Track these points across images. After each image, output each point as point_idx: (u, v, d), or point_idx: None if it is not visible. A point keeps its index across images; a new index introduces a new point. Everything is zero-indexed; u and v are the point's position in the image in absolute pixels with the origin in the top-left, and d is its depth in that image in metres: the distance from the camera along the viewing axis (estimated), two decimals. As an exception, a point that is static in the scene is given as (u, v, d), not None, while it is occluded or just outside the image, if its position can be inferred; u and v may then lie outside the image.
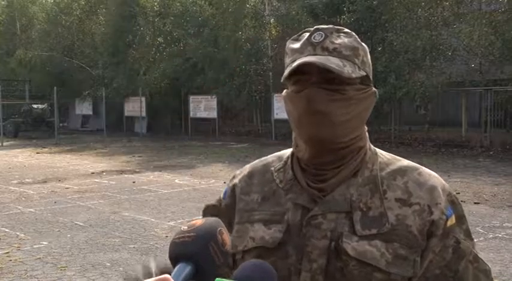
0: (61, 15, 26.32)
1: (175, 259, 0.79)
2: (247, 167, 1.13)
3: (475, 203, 7.50)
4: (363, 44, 1.00)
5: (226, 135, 20.97)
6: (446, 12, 15.26)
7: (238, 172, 1.14)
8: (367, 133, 1.04)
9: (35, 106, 23.81)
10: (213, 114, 20.92)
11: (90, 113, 26.68)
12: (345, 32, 0.99)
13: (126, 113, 24.54)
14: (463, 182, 9.27)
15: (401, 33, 15.45)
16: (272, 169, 1.07)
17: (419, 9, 15.26)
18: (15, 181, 10.37)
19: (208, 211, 1.14)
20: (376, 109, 16.85)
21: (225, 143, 18.13)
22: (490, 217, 6.67)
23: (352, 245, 0.93)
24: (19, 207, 7.76)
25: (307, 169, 1.00)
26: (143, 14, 22.68)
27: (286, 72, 0.95)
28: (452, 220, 0.97)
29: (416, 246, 0.94)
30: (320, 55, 0.94)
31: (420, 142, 15.96)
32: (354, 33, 1.00)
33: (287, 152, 1.08)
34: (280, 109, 18.64)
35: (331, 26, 0.99)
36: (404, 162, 1.03)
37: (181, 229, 0.81)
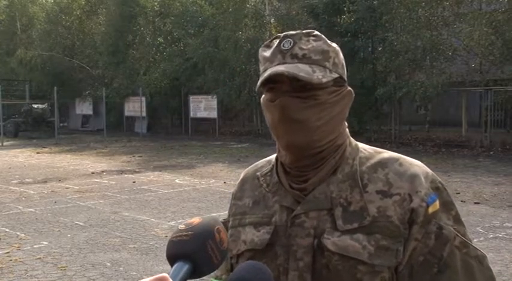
0: (61, 15, 26.33)
1: (173, 257, 0.79)
2: (242, 174, 1.17)
3: (475, 203, 7.50)
4: (333, 44, 1.01)
5: (226, 135, 20.97)
6: (446, 12, 15.26)
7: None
8: (346, 130, 1.06)
9: (35, 106, 23.81)
10: (213, 114, 20.92)
11: (91, 113, 26.68)
12: (314, 36, 0.99)
13: (126, 113, 24.54)
14: (463, 182, 9.27)
15: (401, 33, 15.45)
16: (258, 173, 1.10)
17: (420, 9, 15.25)
18: (15, 181, 10.38)
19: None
20: (376, 109, 16.96)
21: (225, 143, 18.13)
22: (490, 217, 6.66)
23: (332, 241, 0.95)
24: (19, 207, 7.76)
25: (290, 172, 1.03)
26: (143, 14, 22.69)
27: (259, 82, 0.97)
28: (435, 207, 0.97)
29: (398, 236, 0.95)
30: (289, 63, 0.95)
31: (420, 142, 15.95)
32: (323, 36, 1.00)
33: (275, 156, 1.11)
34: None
35: (299, 31, 1.00)
36: (386, 154, 1.04)
37: (179, 227, 0.81)
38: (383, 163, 1.01)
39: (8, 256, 5.28)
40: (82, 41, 26.52)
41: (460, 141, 15.37)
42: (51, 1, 28.15)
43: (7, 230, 6.37)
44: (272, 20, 20.42)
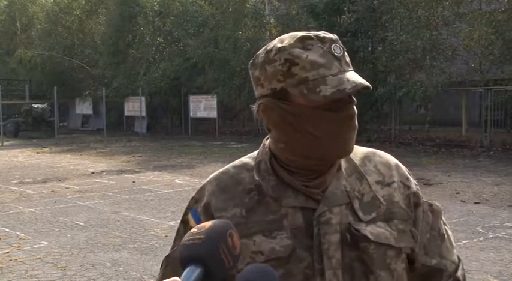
0: (61, 15, 26.32)
1: (185, 261, 0.78)
2: (208, 185, 1.08)
3: (475, 203, 7.50)
4: None
5: (226, 135, 20.97)
6: (446, 12, 15.26)
7: (197, 194, 1.08)
8: None
9: (35, 106, 23.82)
10: (213, 114, 20.92)
11: (90, 112, 26.68)
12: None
13: (126, 113, 24.54)
14: (463, 182, 9.27)
15: (401, 33, 15.45)
16: (245, 179, 1.03)
17: (420, 9, 15.25)
18: (15, 181, 10.38)
19: (174, 260, 1.03)
20: (377, 109, 16.96)
21: (225, 143, 18.13)
22: (490, 216, 6.66)
23: (368, 230, 0.97)
24: (19, 207, 7.76)
25: (296, 172, 0.99)
26: (143, 14, 22.68)
27: (336, 94, 0.90)
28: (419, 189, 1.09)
29: (408, 218, 1.02)
30: (348, 71, 0.94)
31: (420, 142, 15.95)
32: None
33: (247, 160, 1.06)
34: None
35: (332, 35, 0.96)
36: (362, 149, 1.09)
37: (191, 231, 0.81)
38: (367, 157, 1.06)
39: (7, 256, 5.28)
40: (82, 41, 26.52)
41: (460, 141, 15.37)
42: (51, 1, 28.14)
43: (7, 230, 6.36)
44: (272, 20, 20.42)
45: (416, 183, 1.09)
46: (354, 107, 0.97)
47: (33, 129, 23.06)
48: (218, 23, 19.82)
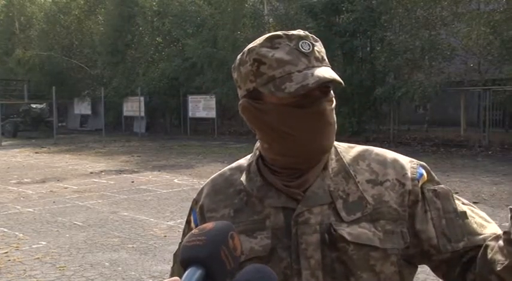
0: (60, 15, 26.31)
1: (186, 262, 0.78)
2: (206, 187, 1.11)
3: (474, 202, 7.49)
4: None
5: (225, 135, 20.97)
6: (445, 12, 15.28)
7: (197, 196, 1.11)
8: None
9: (33, 106, 23.79)
10: (212, 114, 20.92)
11: (89, 112, 26.67)
12: (313, 37, 0.97)
13: (125, 113, 24.53)
14: (462, 182, 9.28)
15: (400, 33, 15.47)
16: (236, 181, 1.05)
17: (418, 9, 15.27)
18: (13, 181, 10.36)
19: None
20: (375, 109, 16.98)
21: (223, 143, 18.13)
22: (488, 216, 6.67)
23: (347, 231, 0.95)
24: (18, 207, 7.75)
25: (280, 171, 1.00)
26: (142, 14, 22.68)
27: (300, 90, 0.90)
28: (423, 179, 1.02)
29: (399, 218, 0.98)
30: (318, 67, 0.93)
31: (419, 142, 15.97)
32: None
33: (242, 162, 1.08)
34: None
35: (305, 32, 0.96)
36: (359, 147, 1.07)
37: (192, 232, 0.81)
38: (361, 155, 1.04)
39: (6, 256, 5.27)
40: (80, 40, 26.51)
41: (458, 141, 15.39)
42: (50, 1, 28.12)
43: (5, 230, 6.36)
44: (271, 20, 20.43)
45: (419, 177, 1.01)
46: (328, 102, 0.95)
47: (32, 129, 23.04)
48: (217, 23, 19.83)
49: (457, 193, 8.21)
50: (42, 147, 17.89)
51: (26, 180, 10.49)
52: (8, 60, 27.50)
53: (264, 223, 0.98)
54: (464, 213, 1.01)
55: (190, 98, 21.64)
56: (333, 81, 0.91)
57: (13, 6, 29.19)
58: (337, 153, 1.03)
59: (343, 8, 16.17)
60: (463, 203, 1.04)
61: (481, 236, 0.99)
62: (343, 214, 0.96)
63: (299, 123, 0.94)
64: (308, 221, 0.96)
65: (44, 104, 24.15)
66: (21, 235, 6.13)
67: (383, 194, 0.99)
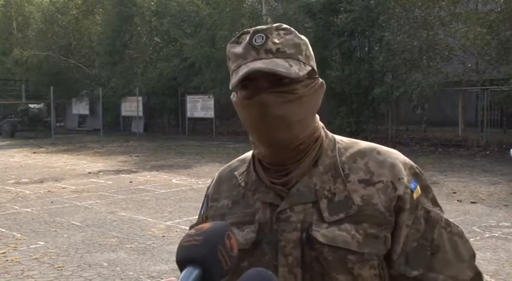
0: (58, 14, 26.27)
1: (182, 262, 0.78)
2: (216, 176, 1.14)
3: (472, 202, 7.52)
4: (303, 37, 1.01)
5: (223, 135, 20.97)
6: (443, 12, 15.29)
7: (210, 184, 1.15)
8: (319, 122, 1.06)
9: (31, 106, 23.75)
10: (210, 114, 20.92)
11: (87, 112, 26.64)
12: (283, 29, 0.98)
13: (123, 113, 24.51)
14: (459, 182, 9.29)
15: (398, 33, 15.47)
16: (236, 173, 1.08)
17: (416, 9, 15.27)
18: (11, 181, 10.34)
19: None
20: (373, 109, 16.99)
21: (222, 143, 18.13)
22: (486, 216, 6.68)
23: (321, 233, 0.95)
24: (15, 207, 7.73)
25: (269, 167, 1.02)
26: (140, 14, 22.66)
27: (235, 80, 0.95)
28: (418, 192, 0.99)
29: (384, 223, 0.96)
30: (265, 59, 0.94)
31: (417, 142, 15.99)
32: (292, 29, 0.99)
33: (249, 154, 1.09)
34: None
35: (269, 25, 0.98)
36: (363, 144, 1.05)
37: (189, 232, 0.81)
38: (361, 153, 1.02)
39: (4, 256, 5.26)
40: (78, 40, 26.47)
41: (456, 141, 15.41)
42: (47, 1, 28.08)
43: (3, 230, 6.35)
44: (269, 20, 20.40)
45: (413, 187, 0.99)
46: (277, 93, 0.94)
47: (30, 129, 23.00)
48: (215, 23, 19.82)
49: (454, 192, 8.23)
50: (40, 147, 17.86)
51: (23, 180, 10.48)
52: (5, 60, 27.45)
53: (254, 216, 1.01)
54: (438, 247, 0.98)
55: (188, 98, 21.63)
56: (260, 71, 0.92)
57: (11, 6, 29.13)
58: (334, 149, 1.02)
59: (342, 8, 16.17)
60: (450, 232, 1.00)
61: (435, 275, 0.97)
62: (325, 214, 0.96)
63: (248, 115, 0.98)
64: (289, 219, 0.97)
65: (42, 104, 24.11)
66: (19, 235, 6.12)
67: (372, 196, 0.97)
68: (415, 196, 0.98)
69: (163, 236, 5.94)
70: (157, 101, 22.82)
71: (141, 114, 23.10)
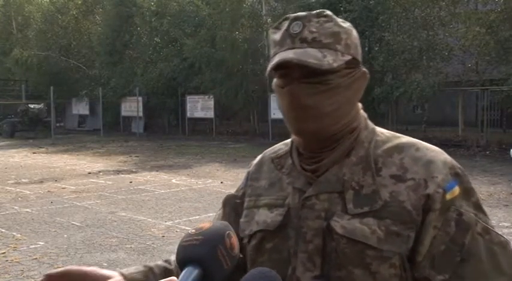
0: (57, 14, 26.27)
1: (182, 262, 0.78)
2: (260, 155, 1.15)
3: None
4: (345, 25, 0.98)
5: (223, 135, 20.97)
6: (443, 12, 15.30)
7: (253, 162, 1.17)
8: (362, 111, 1.03)
9: (31, 106, 23.75)
10: (210, 114, 20.92)
11: (87, 113, 26.63)
12: (324, 16, 0.97)
13: (123, 113, 24.51)
14: (459, 182, 9.29)
15: (398, 33, 15.48)
16: (273, 155, 1.10)
17: (416, 9, 15.28)
18: (11, 181, 10.34)
19: (228, 201, 1.14)
20: (373, 109, 16.98)
21: (222, 143, 18.13)
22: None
23: (341, 224, 0.93)
24: (15, 207, 7.73)
25: (303, 153, 1.02)
26: (140, 14, 22.66)
27: (268, 68, 0.95)
28: (453, 193, 0.93)
29: (409, 222, 0.92)
30: (298, 48, 0.93)
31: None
32: (334, 16, 0.97)
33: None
34: (277, 109, 18.59)
35: (309, 12, 0.97)
36: (403, 139, 1.01)
37: (189, 232, 0.81)
38: (399, 148, 0.99)
39: (4, 257, 5.26)
40: (78, 40, 26.48)
41: (456, 141, 15.41)
42: (47, 1, 28.08)
43: (3, 230, 6.34)
44: (269, 20, 20.41)
45: (448, 188, 0.93)
46: (307, 85, 0.93)
47: (30, 129, 22.99)
48: (215, 23, 19.82)
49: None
50: (40, 147, 17.86)
51: (23, 180, 10.47)
52: (5, 60, 27.45)
53: (285, 200, 1.01)
54: (469, 254, 0.90)
55: (188, 98, 21.63)
56: (288, 63, 0.92)
57: (10, 6, 29.13)
58: (371, 141, 1.00)
59: (341, 8, 16.17)
60: (489, 240, 0.92)
61: None
62: (350, 205, 0.94)
63: (281, 102, 0.98)
64: (313, 206, 0.97)
65: (42, 104, 24.11)
66: (19, 235, 6.11)
67: (401, 193, 0.93)
68: (448, 196, 0.93)
69: (163, 236, 5.94)
70: (157, 101, 22.82)
71: (141, 114, 23.10)
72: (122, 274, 0.99)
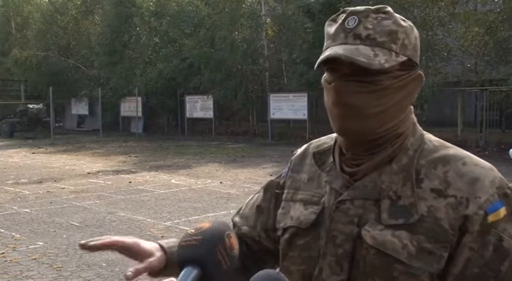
0: (57, 15, 26.27)
1: (182, 262, 0.78)
2: (304, 146, 1.12)
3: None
4: (405, 23, 0.93)
5: (222, 135, 20.96)
6: (442, 12, 15.31)
7: (298, 149, 1.14)
8: (413, 116, 0.99)
9: (30, 106, 23.74)
10: (209, 114, 20.92)
11: (86, 113, 26.63)
12: (384, 13, 0.92)
13: (122, 113, 24.51)
14: (458, 182, 9.30)
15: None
16: (315, 150, 1.07)
17: (415, 9, 15.30)
18: (10, 181, 10.33)
19: (270, 187, 1.13)
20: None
21: (221, 143, 18.12)
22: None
23: (371, 234, 0.90)
24: (14, 207, 7.73)
25: (346, 154, 0.98)
26: (139, 14, 22.66)
27: (317, 62, 0.92)
28: (497, 215, 0.87)
29: (444, 241, 0.87)
30: (351, 44, 0.89)
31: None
32: (394, 14, 0.93)
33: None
34: (276, 109, 18.65)
35: (368, 7, 0.92)
36: (452, 150, 0.96)
37: (189, 232, 0.81)
38: (446, 160, 0.93)
39: (3, 257, 5.25)
40: (78, 41, 26.46)
41: (455, 141, 15.38)
42: (46, 1, 28.06)
43: (2, 230, 6.34)
44: (268, 20, 20.44)
45: (491, 210, 0.88)
46: (356, 83, 0.90)
47: (29, 129, 22.97)
48: (214, 23, 19.82)
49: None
50: (39, 147, 17.84)
51: (22, 180, 10.47)
52: (4, 61, 27.43)
53: (321, 198, 0.99)
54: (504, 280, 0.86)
55: (187, 98, 21.63)
56: (337, 59, 0.88)
57: (9, 6, 29.11)
58: (417, 150, 0.94)
59: (341, 8, 16.14)
60: None
61: None
62: (384, 215, 0.90)
63: (327, 98, 0.95)
64: (347, 211, 0.94)
65: (41, 104, 24.10)
66: (18, 235, 6.11)
67: (440, 209, 0.88)
68: (490, 219, 0.87)
69: (163, 236, 5.93)
70: (157, 102, 22.82)
71: (140, 114, 23.10)
72: (162, 247, 0.96)
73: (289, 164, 1.12)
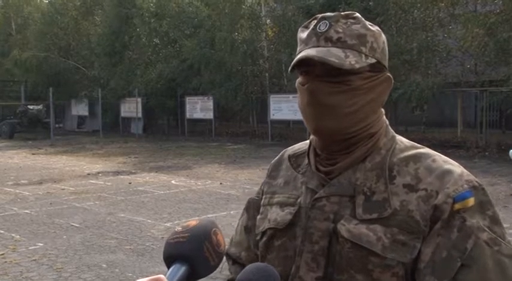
0: (57, 15, 26.25)
1: (169, 259, 0.79)
2: (281, 152, 1.16)
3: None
4: (374, 27, 0.98)
5: (222, 136, 20.96)
6: (442, 13, 15.32)
7: (276, 157, 1.18)
8: (384, 118, 1.03)
9: (30, 107, 23.71)
10: (209, 115, 20.92)
11: (86, 114, 26.61)
12: (353, 18, 0.97)
13: (122, 114, 24.50)
14: (458, 183, 9.29)
15: (397, 35, 15.49)
16: (291, 154, 1.11)
17: (415, 10, 15.31)
18: (10, 182, 10.33)
19: (251, 206, 1.17)
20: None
21: (221, 144, 18.12)
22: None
23: (347, 228, 0.93)
24: (14, 208, 7.72)
25: (320, 154, 1.02)
26: (139, 15, 22.65)
27: (291, 64, 0.96)
28: (465, 204, 0.90)
29: (417, 232, 0.91)
30: (322, 47, 0.94)
31: (416, 143, 15.97)
32: (362, 19, 0.97)
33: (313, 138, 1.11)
34: (276, 110, 18.65)
35: (338, 13, 0.98)
36: (422, 150, 1.00)
37: (176, 229, 0.82)
38: (416, 157, 0.98)
39: (3, 258, 5.26)
40: (78, 41, 26.46)
41: (455, 142, 15.42)
42: (46, 2, 28.07)
43: (2, 231, 6.34)
44: (268, 21, 20.43)
45: (458, 198, 0.91)
46: (328, 83, 0.94)
47: (29, 130, 22.96)
48: (214, 24, 19.83)
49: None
50: (39, 148, 17.84)
51: (22, 181, 10.46)
52: (4, 61, 27.43)
53: (297, 199, 1.02)
54: (472, 260, 0.87)
55: (187, 99, 21.63)
56: (310, 60, 0.93)
57: (10, 7, 29.12)
58: (389, 148, 0.99)
59: (340, 9, 16.18)
60: (498, 251, 0.89)
61: None
62: (359, 210, 0.94)
63: (300, 100, 0.99)
64: (323, 208, 0.97)
65: (41, 105, 24.08)
66: (18, 236, 6.11)
67: (411, 203, 0.92)
68: (457, 206, 0.91)
69: (163, 237, 5.93)
70: (157, 102, 22.81)
71: (140, 115, 23.09)
72: None
73: (267, 172, 1.15)
